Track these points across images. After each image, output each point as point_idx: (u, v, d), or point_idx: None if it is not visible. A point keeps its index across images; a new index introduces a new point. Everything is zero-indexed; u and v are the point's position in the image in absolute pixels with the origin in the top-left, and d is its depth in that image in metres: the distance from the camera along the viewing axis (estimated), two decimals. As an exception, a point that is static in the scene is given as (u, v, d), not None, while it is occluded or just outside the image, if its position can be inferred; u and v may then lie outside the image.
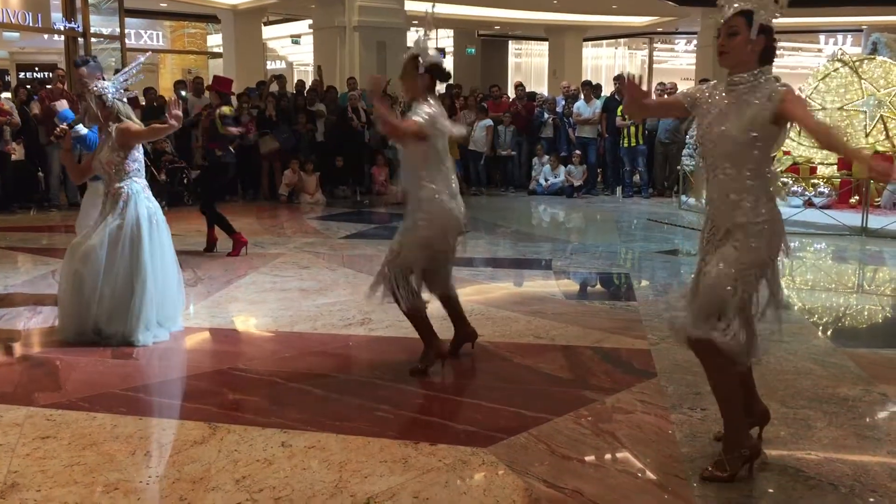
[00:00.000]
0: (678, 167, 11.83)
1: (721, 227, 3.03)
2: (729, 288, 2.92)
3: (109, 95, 4.89)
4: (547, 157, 13.15)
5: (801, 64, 28.86)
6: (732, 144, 2.94)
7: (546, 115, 13.41)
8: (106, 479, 3.07)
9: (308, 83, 14.49)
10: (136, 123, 4.98)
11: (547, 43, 26.07)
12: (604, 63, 30.07)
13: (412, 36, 21.19)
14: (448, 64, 24.91)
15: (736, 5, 2.96)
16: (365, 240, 8.78)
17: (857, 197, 10.03)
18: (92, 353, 4.61)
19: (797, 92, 2.97)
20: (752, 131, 2.91)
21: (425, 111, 4.10)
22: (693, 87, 3.26)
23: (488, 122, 13.19)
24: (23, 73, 19.69)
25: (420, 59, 4.15)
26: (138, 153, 5.00)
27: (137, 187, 4.93)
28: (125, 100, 5.05)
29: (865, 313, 6.15)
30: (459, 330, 4.60)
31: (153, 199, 5.02)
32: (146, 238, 4.85)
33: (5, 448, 3.33)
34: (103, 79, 5.20)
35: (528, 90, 15.04)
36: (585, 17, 23.35)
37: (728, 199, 2.99)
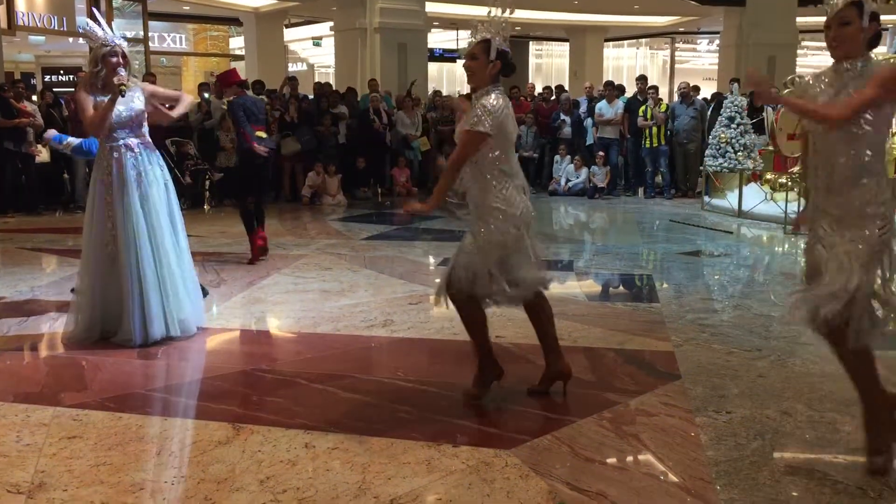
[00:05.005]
0: (700, 167, 11.74)
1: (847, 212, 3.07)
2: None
3: (125, 46, 4.95)
4: (569, 157, 13.06)
5: (827, 63, 28.56)
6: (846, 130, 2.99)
7: (562, 116, 13.33)
8: (132, 479, 3.10)
9: (329, 84, 14.52)
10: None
11: (568, 44, 26.01)
12: (625, 63, 29.99)
13: (433, 37, 21.27)
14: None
15: None
16: (387, 241, 8.79)
17: None
18: (117, 353, 4.66)
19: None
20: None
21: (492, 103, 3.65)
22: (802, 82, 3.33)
23: None
24: (48, 77, 19.92)
25: (492, 43, 3.67)
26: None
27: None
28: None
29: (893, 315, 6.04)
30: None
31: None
32: (172, 196, 5.01)
33: (33, 448, 3.36)
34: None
35: (550, 90, 14.96)
36: (606, 17, 23.27)
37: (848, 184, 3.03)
